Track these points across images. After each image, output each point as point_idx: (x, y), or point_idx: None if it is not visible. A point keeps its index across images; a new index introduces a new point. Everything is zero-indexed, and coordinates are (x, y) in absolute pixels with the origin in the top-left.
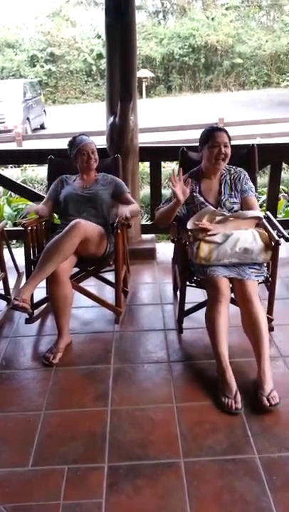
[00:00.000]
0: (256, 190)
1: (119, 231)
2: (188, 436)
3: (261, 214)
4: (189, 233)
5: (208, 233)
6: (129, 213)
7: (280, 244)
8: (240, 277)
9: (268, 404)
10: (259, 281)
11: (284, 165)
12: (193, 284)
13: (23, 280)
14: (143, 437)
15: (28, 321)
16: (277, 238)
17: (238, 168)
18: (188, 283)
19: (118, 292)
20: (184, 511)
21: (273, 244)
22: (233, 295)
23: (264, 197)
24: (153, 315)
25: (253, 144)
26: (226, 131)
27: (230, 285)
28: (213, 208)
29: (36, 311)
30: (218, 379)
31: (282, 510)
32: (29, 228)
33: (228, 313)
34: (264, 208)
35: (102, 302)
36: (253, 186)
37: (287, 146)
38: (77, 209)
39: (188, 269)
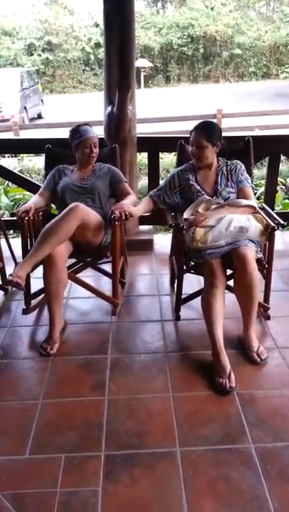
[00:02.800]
0: (253, 182)
1: (116, 222)
2: (185, 425)
3: (256, 204)
4: (185, 222)
5: (202, 220)
6: (127, 206)
7: (275, 230)
8: (237, 245)
9: (259, 359)
10: (257, 255)
11: (282, 157)
12: (191, 271)
13: None
14: (140, 427)
15: (25, 312)
16: (273, 224)
17: (235, 160)
18: (185, 268)
19: (115, 284)
20: (180, 500)
21: (270, 230)
22: (231, 285)
23: (262, 189)
24: (150, 306)
25: (248, 138)
26: (205, 132)
27: (228, 264)
28: (209, 197)
29: (34, 302)
30: (213, 361)
31: (277, 499)
32: (26, 219)
33: (224, 299)
34: (262, 200)
35: (99, 294)
36: (249, 178)
37: (286, 138)
38: (75, 200)
39: (186, 255)
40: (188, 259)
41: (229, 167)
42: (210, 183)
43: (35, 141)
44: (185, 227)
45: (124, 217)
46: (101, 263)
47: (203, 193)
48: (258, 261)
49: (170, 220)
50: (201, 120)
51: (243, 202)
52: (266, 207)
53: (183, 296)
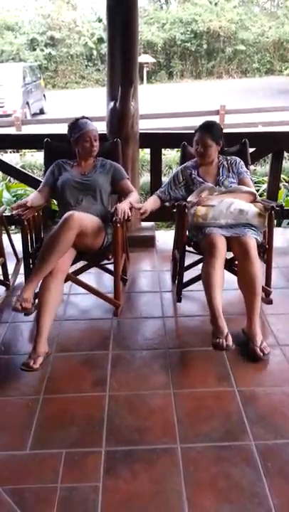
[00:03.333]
0: (254, 180)
1: (118, 225)
2: (185, 422)
3: (255, 192)
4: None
5: (205, 200)
6: (130, 207)
7: (274, 209)
8: (237, 235)
9: (262, 354)
10: (258, 243)
11: (285, 154)
12: (191, 248)
13: (22, 266)
14: (140, 423)
15: (27, 313)
16: (271, 204)
17: (234, 156)
18: (186, 248)
19: (117, 285)
20: (180, 496)
21: (269, 210)
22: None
23: (265, 186)
24: (152, 302)
25: (244, 140)
26: (210, 131)
27: (228, 248)
28: (212, 185)
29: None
30: (211, 326)
31: (277, 497)
32: (22, 217)
33: (223, 270)
34: (264, 197)
35: (100, 295)
36: (248, 171)
37: None
38: (76, 197)
39: (187, 237)
40: (190, 238)
41: (229, 161)
42: (212, 175)
43: (37, 137)
44: (188, 205)
45: (126, 219)
46: (103, 264)
47: (205, 182)
48: (260, 246)
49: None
50: (204, 117)
51: (245, 188)
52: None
53: (185, 281)
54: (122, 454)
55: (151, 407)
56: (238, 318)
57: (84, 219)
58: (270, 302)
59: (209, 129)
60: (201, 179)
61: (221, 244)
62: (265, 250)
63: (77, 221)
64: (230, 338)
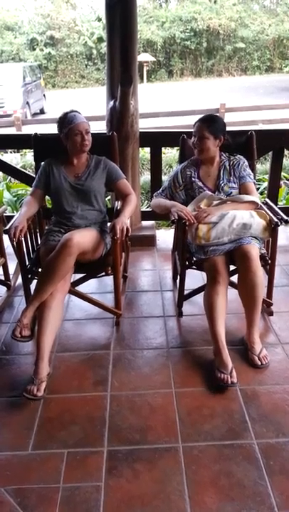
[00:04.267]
0: (255, 178)
1: (117, 241)
2: (187, 421)
3: (258, 200)
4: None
5: (205, 216)
6: (128, 221)
7: (279, 225)
8: (240, 244)
9: (260, 363)
10: (260, 252)
11: (286, 152)
12: (193, 267)
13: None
14: (142, 422)
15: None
16: (276, 220)
17: (238, 156)
18: (187, 263)
19: (118, 297)
20: (182, 495)
21: (273, 225)
22: (234, 281)
23: (265, 184)
24: (152, 302)
25: (251, 132)
26: (207, 124)
27: (230, 258)
28: (211, 193)
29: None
30: (215, 358)
31: (279, 494)
32: (17, 239)
33: (227, 296)
34: (265, 195)
35: (101, 306)
36: (252, 173)
37: None
38: (71, 204)
39: (188, 251)
40: (191, 254)
41: (232, 162)
42: (212, 178)
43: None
44: (188, 224)
45: (124, 235)
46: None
47: (205, 189)
48: (262, 257)
49: (173, 217)
50: (204, 114)
51: (246, 198)
52: (269, 202)
53: (185, 292)
54: (124, 453)
55: (152, 406)
56: (239, 316)
57: (83, 241)
58: (270, 314)
59: (208, 121)
60: (200, 183)
61: (224, 268)
62: (267, 263)
63: (76, 246)
64: (234, 374)
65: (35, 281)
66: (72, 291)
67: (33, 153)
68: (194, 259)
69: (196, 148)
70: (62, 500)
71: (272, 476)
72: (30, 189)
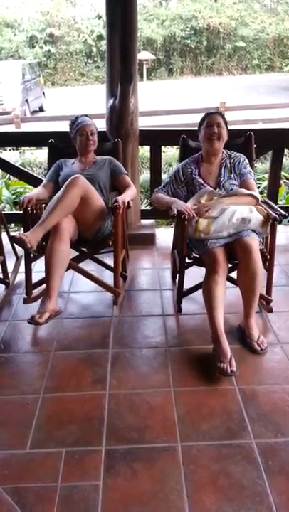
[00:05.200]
0: (254, 176)
1: (119, 211)
2: (186, 420)
3: (258, 195)
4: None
5: (205, 210)
6: (129, 199)
7: (277, 220)
8: (239, 236)
9: (259, 348)
10: (260, 246)
11: (286, 151)
12: (193, 262)
13: (22, 264)
14: (140, 421)
15: (26, 301)
16: (274, 215)
17: (238, 153)
18: (187, 259)
19: (116, 274)
20: (181, 495)
21: (271, 220)
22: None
23: (265, 183)
24: (152, 300)
25: (249, 132)
26: (220, 115)
27: (230, 252)
28: (211, 189)
29: (36, 291)
30: (214, 347)
31: (278, 495)
32: (29, 208)
33: (225, 286)
34: (265, 195)
35: (100, 283)
36: (252, 171)
37: None
38: None
39: (188, 247)
40: (190, 249)
41: (232, 160)
42: (213, 175)
43: (37, 135)
44: (188, 219)
45: (126, 206)
46: (103, 253)
47: (205, 185)
48: (261, 253)
49: (172, 212)
50: (205, 113)
51: (246, 191)
52: (268, 201)
53: (184, 289)
54: (123, 452)
55: (151, 405)
56: (237, 315)
57: (89, 184)
58: (270, 310)
59: (219, 114)
60: (201, 180)
61: (223, 258)
62: (266, 259)
63: (82, 181)
64: (233, 362)
65: (35, 267)
66: (74, 266)
67: (47, 155)
68: (194, 254)
69: (214, 137)
70: (60, 500)
71: (271, 476)
72: (30, 187)
